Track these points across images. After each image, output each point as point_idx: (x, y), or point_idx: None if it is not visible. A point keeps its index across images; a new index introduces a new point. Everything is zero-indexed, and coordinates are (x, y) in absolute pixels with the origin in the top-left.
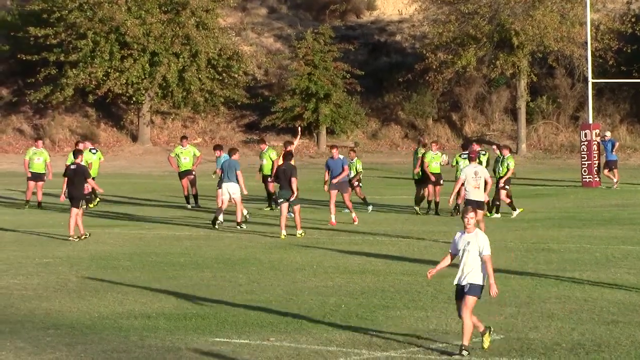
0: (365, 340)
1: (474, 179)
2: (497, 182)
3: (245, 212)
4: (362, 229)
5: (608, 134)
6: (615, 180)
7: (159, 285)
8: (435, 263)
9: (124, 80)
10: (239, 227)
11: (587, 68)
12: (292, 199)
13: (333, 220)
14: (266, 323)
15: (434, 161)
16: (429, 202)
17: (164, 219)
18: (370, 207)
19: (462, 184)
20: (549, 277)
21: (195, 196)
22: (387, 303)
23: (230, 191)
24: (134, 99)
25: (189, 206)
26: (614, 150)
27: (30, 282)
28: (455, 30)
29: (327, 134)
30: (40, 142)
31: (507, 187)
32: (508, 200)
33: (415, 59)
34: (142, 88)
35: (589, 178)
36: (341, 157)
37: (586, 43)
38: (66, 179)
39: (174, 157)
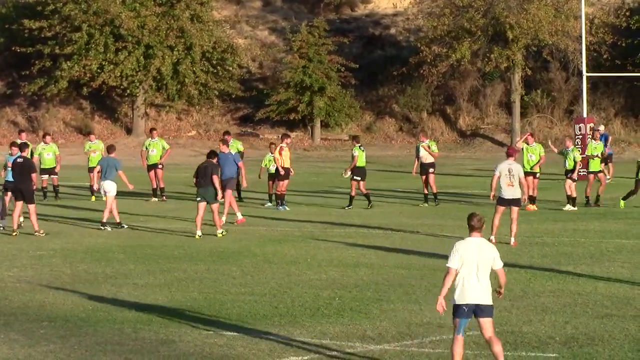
0: (359, 333)
1: (507, 176)
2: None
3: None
4: (356, 222)
5: (602, 127)
6: (607, 175)
7: (152, 278)
8: (430, 256)
9: (119, 73)
10: (102, 227)
11: (581, 62)
12: (218, 199)
13: (239, 217)
14: (260, 316)
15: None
16: (425, 194)
17: (158, 211)
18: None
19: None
20: (543, 271)
21: (162, 189)
22: (380, 296)
23: (106, 189)
24: (128, 91)
25: (155, 199)
26: (607, 144)
27: (24, 275)
28: (449, 23)
29: (322, 127)
30: (23, 134)
31: (574, 178)
32: (569, 193)
33: (410, 52)
34: (136, 81)
35: (583, 172)
36: (233, 152)
37: (581, 37)
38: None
39: (144, 150)
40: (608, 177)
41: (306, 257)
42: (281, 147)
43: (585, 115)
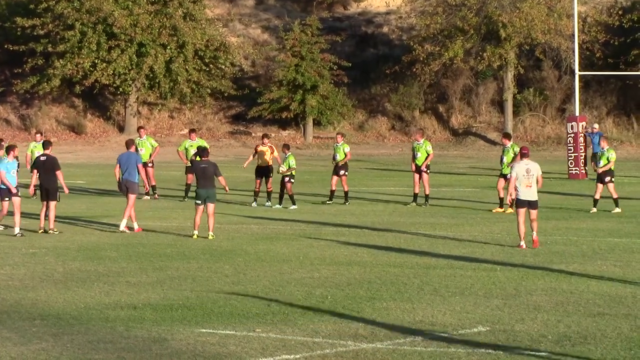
0: (352, 332)
1: (525, 177)
2: (600, 177)
3: None
4: (348, 220)
5: (596, 126)
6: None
7: (145, 276)
8: (423, 255)
9: (111, 71)
10: None
11: (574, 60)
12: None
13: (133, 226)
14: (252, 314)
15: (416, 151)
16: (416, 194)
17: (151, 209)
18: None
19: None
20: (535, 269)
21: (153, 187)
22: (373, 294)
23: None
24: (120, 89)
25: (148, 197)
26: (600, 142)
27: (16, 273)
28: (442, 22)
29: (314, 125)
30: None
31: (612, 180)
32: (615, 196)
33: (403, 50)
34: (129, 79)
35: (575, 170)
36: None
37: (573, 35)
38: (35, 171)
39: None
40: None
41: (298, 256)
42: (257, 145)
43: (577, 113)
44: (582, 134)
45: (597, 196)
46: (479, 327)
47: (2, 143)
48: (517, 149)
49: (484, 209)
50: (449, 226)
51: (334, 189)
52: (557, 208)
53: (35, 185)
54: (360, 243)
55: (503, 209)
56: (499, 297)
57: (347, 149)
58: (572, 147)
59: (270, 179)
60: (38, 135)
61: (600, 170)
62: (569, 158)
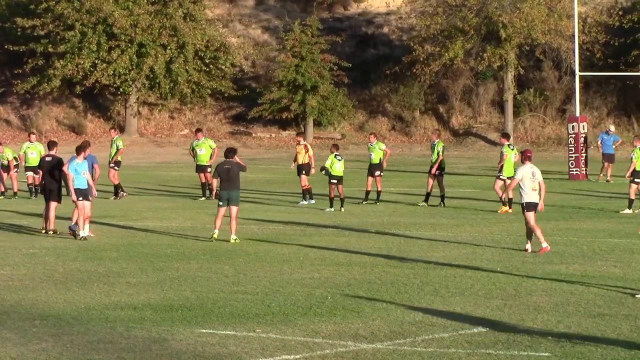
0: (352, 332)
1: (531, 180)
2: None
3: None
4: (349, 221)
5: (612, 128)
6: (601, 174)
7: (145, 277)
8: (423, 255)
9: (111, 72)
10: None
11: (574, 61)
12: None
13: (86, 231)
14: (252, 314)
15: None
16: (442, 195)
17: (151, 209)
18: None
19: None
20: (535, 270)
21: (114, 188)
22: (373, 295)
23: None
24: (121, 90)
25: (123, 193)
26: (613, 145)
27: (16, 273)
28: (442, 22)
29: (314, 126)
30: None
31: (636, 180)
32: (632, 197)
33: (403, 51)
34: (129, 79)
35: (575, 171)
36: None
37: (573, 36)
38: (41, 172)
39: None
40: (600, 176)
41: (299, 256)
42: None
43: (578, 114)
44: (592, 137)
45: (632, 196)
46: (479, 327)
47: (1, 147)
48: (508, 150)
49: (484, 210)
50: (449, 227)
51: (369, 189)
52: (557, 209)
53: (35, 185)
54: (360, 243)
55: (511, 209)
56: (499, 297)
57: (383, 146)
58: (573, 148)
59: (302, 177)
60: (33, 136)
61: (628, 174)
62: (570, 159)
